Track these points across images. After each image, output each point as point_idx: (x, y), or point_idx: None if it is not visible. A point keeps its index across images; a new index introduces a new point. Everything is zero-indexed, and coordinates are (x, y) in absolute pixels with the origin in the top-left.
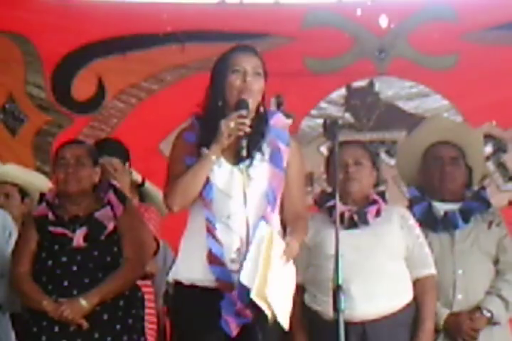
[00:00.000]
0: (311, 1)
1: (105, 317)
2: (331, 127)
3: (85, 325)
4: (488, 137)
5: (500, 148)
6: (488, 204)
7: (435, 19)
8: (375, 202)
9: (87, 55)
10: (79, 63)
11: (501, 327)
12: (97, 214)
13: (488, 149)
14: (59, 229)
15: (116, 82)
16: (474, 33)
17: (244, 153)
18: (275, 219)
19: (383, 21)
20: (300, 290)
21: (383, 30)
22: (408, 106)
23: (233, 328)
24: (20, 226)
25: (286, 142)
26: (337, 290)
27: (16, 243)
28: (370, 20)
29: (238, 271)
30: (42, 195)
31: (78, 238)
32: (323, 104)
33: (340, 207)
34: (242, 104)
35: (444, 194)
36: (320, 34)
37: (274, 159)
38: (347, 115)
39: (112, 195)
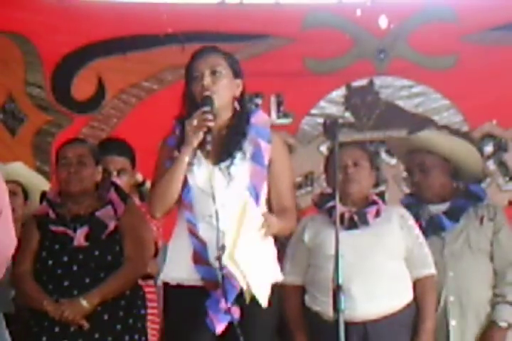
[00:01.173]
0: (311, 2)
1: (106, 317)
2: (331, 127)
3: (86, 325)
4: (488, 136)
5: (500, 148)
6: (478, 199)
7: (435, 20)
8: (374, 202)
9: (87, 55)
10: (79, 63)
11: None
12: (98, 213)
13: (489, 149)
14: (60, 228)
15: (116, 81)
16: (474, 34)
17: (209, 147)
18: (259, 215)
19: (383, 22)
20: (300, 291)
21: (383, 31)
22: (408, 105)
23: (218, 326)
24: (21, 228)
25: (268, 139)
26: (337, 290)
27: (17, 242)
28: (370, 21)
29: (221, 269)
30: (43, 194)
31: (79, 237)
32: (323, 104)
33: (340, 208)
34: (205, 101)
35: (430, 198)
36: (320, 35)
37: (256, 157)
38: (347, 114)
39: (113, 194)
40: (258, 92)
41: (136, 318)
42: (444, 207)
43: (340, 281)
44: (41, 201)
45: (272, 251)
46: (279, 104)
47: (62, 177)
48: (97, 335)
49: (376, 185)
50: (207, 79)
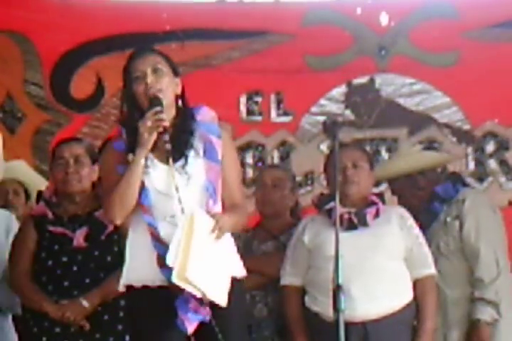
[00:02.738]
0: None
1: (106, 317)
2: (331, 126)
3: (87, 325)
4: (490, 135)
5: (502, 146)
6: (443, 200)
7: (436, 16)
8: (373, 203)
9: (86, 54)
10: (78, 61)
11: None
12: (97, 214)
13: (490, 147)
14: (59, 229)
15: (115, 80)
16: (475, 31)
17: (168, 146)
18: (218, 211)
19: (384, 19)
20: (300, 291)
21: (384, 28)
22: (409, 103)
23: (189, 326)
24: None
25: (218, 134)
26: (337, 290)
27: (15, 242)
28: (371, 18)
29: None
30: (39, 194)
31: (79, 238)
32: (323, 101)
33: (339, 209)
34: (154, 101)
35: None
36: (320, 32)
37: (209, 153)
38: (347, 112)
39: None
40: (258, 90)
41: None
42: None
43: (340, 282)
44: (37, 201)
45: (229, 247)
46: (279, 102)
47: (59, 177)
48: (97, 335)
49: (376, 185)
50: (150, 78)
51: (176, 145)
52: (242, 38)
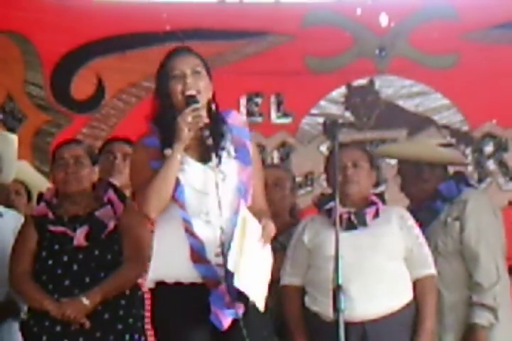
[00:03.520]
0: (311, 0)
1: (107, 316)
2: (331, 127)
3: (87, 324)
4: (489, 136)
5: (501, 147)
6: (444, 199)
7: (435, 18)
8: (373, 203)
9: (86, 54)
10: (78, 62)
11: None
12: (97, 213)
13: (489, 148)
14: (59, 228)
15: (115, 81)
16: (475, 32)
17: (209, 141)
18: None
19: (383, 20)
20: (300, 291)
21: (383, 29)
22: (408, 105)
23: (224, 322)
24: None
25: (249, 138)
26: (337, 290)
27: (15, 242)
28: (371, 19)
29: (224, 265)
30: (40, 195)
31: (79, 237)
32: (323, 103)
33: (339, 209)
34: (190, 100)
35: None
36: (320, 33)
37: (241, 155)
38: (347, 114)
39: (112, 194)
40: (258, 92)
41: (136, 318)
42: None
43: (339, 281)
44: (38, 202)
45: (270, 255)
46: (279, 104)
47: (59, 178)
48: (98, 334)
49: (376, 185)
50: (190, 78)
51: (208, 145)
52: (242, 39)
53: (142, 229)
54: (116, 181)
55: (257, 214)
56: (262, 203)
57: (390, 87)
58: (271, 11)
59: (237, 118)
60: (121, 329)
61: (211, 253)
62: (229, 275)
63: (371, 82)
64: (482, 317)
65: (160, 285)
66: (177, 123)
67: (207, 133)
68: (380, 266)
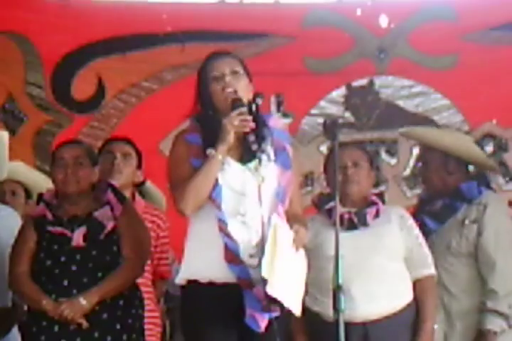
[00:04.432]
0: (311, 1)
1: (105, 316)
2: (331, 127)
3: (85, 324)
4: (488, 136)
5: (500, 147)
6: (465, 199)
7: (435, 19)
8: (373, 203)
9: (87, 55)
10: (79, 63)
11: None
12: (96, 214)
13: (489, 148)
14: (58, 229)
15: (116, 81)
16: (474, 33)
17: (255, 147)
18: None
19: (383, 21)
20: None
21: (383, 30)
22: (408, 105)
23: (261, 323)
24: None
25: (289, 142)
26: (337, 290)
27: (15, 243)
28: (370, 20)
29: (258, 266)
30: (40, 195)
31: (77, 237)
32: (323, 103)
33: (339, 209)
34: (237, 103)
35: (433, 195)
36: (320, 34)
37: (281, 159)
38: (347, 114)
39: (110, 195)
40: (258, 92)
41: (135, 318)
42: (433, 206)
43: (340, 282)
44: (38, 202)
45: (303, 258)
46: (279, 104)
47: (59, 178)
48: (96, 334)
49: (376, 185)
50: (228, 78)
51: (248, 148)
52: (242, 40)
53: (140, 229)
54: (116, 181)
55: (292, 218)
56: (297, 208)
57: (390, 87)
58: (271, 12)
59: (278, 122)
60: (119, 329)
61: (245, 254)
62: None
63: (371, 83)
64: (495, 324)
65: (192, 283)
66: (223, 126)
67: (252, 138)
68: (381, 266)
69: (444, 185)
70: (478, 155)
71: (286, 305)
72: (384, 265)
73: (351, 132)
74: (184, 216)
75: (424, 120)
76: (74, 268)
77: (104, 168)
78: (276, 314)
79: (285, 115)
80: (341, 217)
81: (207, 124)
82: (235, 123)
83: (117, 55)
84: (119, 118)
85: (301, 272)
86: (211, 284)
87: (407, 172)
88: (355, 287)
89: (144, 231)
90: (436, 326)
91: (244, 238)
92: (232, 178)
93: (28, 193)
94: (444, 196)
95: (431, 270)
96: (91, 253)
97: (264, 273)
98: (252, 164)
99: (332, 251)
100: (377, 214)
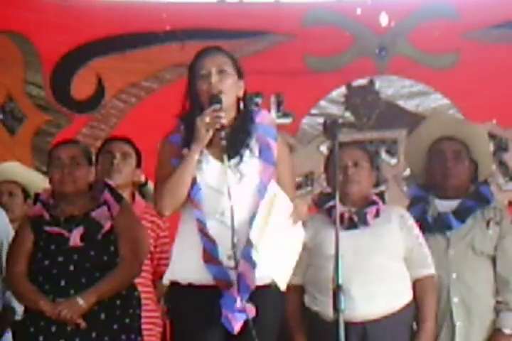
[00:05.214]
0: (311, 0)
1: (103, 316)
2: (331, 127)
3: (83, 324)
4: (489, 136)
5: (500, 147)
6: (487, 201)
7: (435, 17)
8: (374, 202)
9: (86, 54)
10: (78, 62)
11: None
12: (93, 214)
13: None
14: (55, 229)
15: (115, 81)
16: (475, 32)
17: (224, 143)
18: None
19: (383, 19)
20: (300, 290)
21: (383, 29)
22: (408, 105)
23: (235, 325)
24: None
25: (274, 138)
26: (337, 290)
27: (12, 243)
28: (371, 19)
29: (235, 268)
30: (36, 195)
31: (75, 237)
32: (323, 103)
33: (339, 208)
34: (213, 99)
35: (447, 190)
36: (320, 32)
37: (265, 155)
38: (347, 114)
39: (108, 195)
40: (258, 92)
41: (133, 318)
42: (453, 204)
43: (340, 281)
44: (35, 202)
45: (299, 235)
46: (279, 104)
47: (55, 178)
48: (93, 334)
49: (376, 184)
50: (214, 78)
51: (232, 144)
52: (242, 39)
53: (138, 229)
54: (115, 181)
55: None
56: (290, 193)
57: (390, 86)
58: (271, 11)
59: (265, 118)
60: (117, 329)
61: (224, 255)
62: (240, 279)
63: (371, 82)
64: (509, 321)
65: (174, 284)
66: (195, 124)
67: (222, 134)
68: (381, 265)
69: (461, 184)
70: (489, 153)
71: (270, 274)
72: (384, 265)
73: (351, 132)
74: (163, 217)
75: (425, 120)
76: (71, 268)
77: (104, 167)
78: (251, 315)
79: (285, 115)
80: (341, 216)
81: (188, 123)
82: (207, 120)
83: (117, 54)
84: (119, 118)
85: (293, 246)
86: (191, 286)
87: (407, 172)
88: (355, 287)
89: (141, 231)
90: (459, 323)
91: (224, 238)
92: (210, 176)
93: (26, 193)
94: (458, 195)
95: (431, 270)
96: (88, 253)
97: (253, 236)
98: (234, 161)
99: (332, 251)
100: (377, 214)
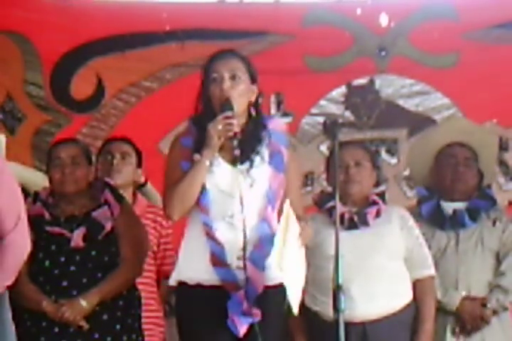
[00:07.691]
0: (311, 0)
1: (105, 317)
2: (331, 127)
3: (86, 326)
4: None
5: (501, 147)
6: (494, 202)
7: (436, 17)
8: (374, 202)
9: (86, 54)
10: (78, 62)
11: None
12: (94, 214)
13: None
14: (56, 229)
15: (115, 80)
16: (475, 32)
17: (237, 152)
18: (275, 219)
19: (383, 20)
20: None
21: (383, 29)
22: (409, 105)
23: (240, 328)
24: None
25: (286, 145)
26: (337, 290)
27: None
28: (371, 19)
29: (244, 268)
30: (36, 194)
31: (77, 238)
32: (323, 102)
33: (340, 208)
34: (226, 106)
35: (454, 194)
36: (320, 32)
37: (275, 161)
38: (347, 113)
39: (108, 195)
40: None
41: (134, 318)
42: (463, 205)
43: (340, 281)
44: (34, 201)
45: (303, 257)
46: (278, 103)
47: (56, 178)
48: (96, 335)
49: (377, 184)
50: (226, 83)
51: (244, 150)
52: (242, 39)
53: (139, 229)
54: (115, 180)
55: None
56: (299, 210)
57: (390, 86)
58: (271, 11)
59: (278, 124)
60: (119, 329)
61: (233, 256)
62: (247, 282)
63: (371, 82)
64: (495, 295)
65: (182, 285)
66: (207, 131)
67: (235, 143)
68: (381, 266)
69: (467, 189)
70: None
71: (290, 295)
72: (384, 265)
73: (351, 131)
74: (172, 221)
75: (425, 119)
76: (73, 268)
77: (103, 168)
78: (257, 319)
79: (285, 114)
80: (342, 216)
81: (201, 127)
82: (219, 127)
83: (117, 54)
84: (119, 118)
85: (302, 269)
86: (199, 286)
87: (408, 171)
88: (355, 287)
89: (142, 231)
90: None
91: (232, 240)
92: (221, 179)
93: (25, 193)
94: (463, 199)
95: (431, 270)
96: (90, 253)
97: (276, 258)
98: (244, 166)
99: (332, 251)
100: (377, 214)
